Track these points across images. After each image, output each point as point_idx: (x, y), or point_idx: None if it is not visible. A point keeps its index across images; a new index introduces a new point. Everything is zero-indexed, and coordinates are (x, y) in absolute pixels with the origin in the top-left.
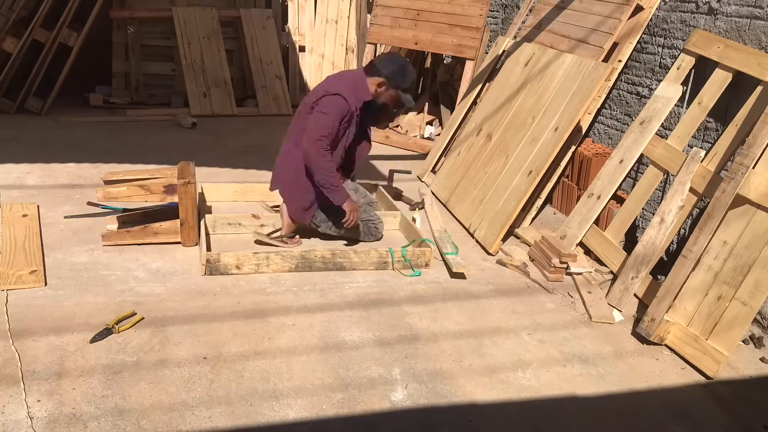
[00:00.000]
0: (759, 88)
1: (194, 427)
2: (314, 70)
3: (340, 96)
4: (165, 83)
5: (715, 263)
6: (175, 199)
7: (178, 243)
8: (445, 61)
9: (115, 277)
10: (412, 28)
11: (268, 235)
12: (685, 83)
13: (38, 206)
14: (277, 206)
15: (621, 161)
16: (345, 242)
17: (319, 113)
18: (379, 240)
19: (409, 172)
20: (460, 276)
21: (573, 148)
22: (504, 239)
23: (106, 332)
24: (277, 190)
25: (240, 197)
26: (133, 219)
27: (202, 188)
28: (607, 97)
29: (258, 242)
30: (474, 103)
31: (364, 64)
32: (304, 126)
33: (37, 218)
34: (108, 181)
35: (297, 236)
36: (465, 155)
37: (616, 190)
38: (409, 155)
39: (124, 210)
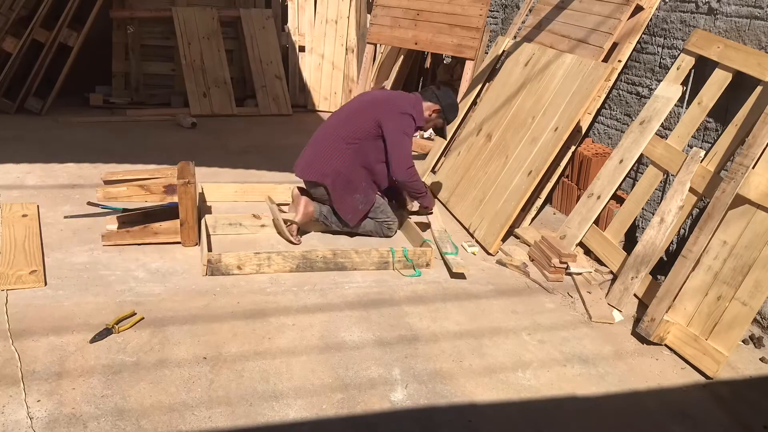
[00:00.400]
0: (759, 88)
1: (194, 427)
2: (314, 70)
3: (413, 118)
4: (165, 83)
5: (714, 263)
6: (175, 199)
7: (178, 243)
8: (444, 61)
9: (115, 277)
10: (412, 28)
11: (285, 221)
12: (684, 83)
13: (38, 206)
14: (285, 205)
15: (621, 161)
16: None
17: (403, 135)
18: (389, 237)
19: None
20: (460, 276)
21: (573, 148)
22: (504, 239)
23: (106, 332)
24: (299, 178)
25: (240, 197)
26: (133, 219)
27: (202, 188)
28: (607, 97)
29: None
30: (474, 103)
31: (364, 65)
32: (363, 127)
33: (37, 218)
34: (108, 181)
35: (299, 236)
36: (465, 155)
37: (616, 190)
38: None
39: (124, 210)
